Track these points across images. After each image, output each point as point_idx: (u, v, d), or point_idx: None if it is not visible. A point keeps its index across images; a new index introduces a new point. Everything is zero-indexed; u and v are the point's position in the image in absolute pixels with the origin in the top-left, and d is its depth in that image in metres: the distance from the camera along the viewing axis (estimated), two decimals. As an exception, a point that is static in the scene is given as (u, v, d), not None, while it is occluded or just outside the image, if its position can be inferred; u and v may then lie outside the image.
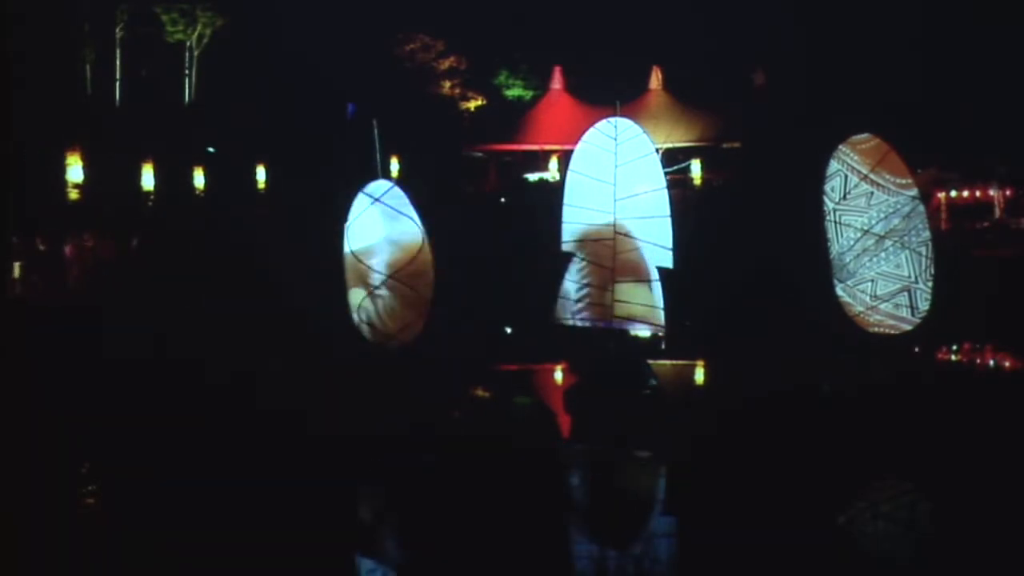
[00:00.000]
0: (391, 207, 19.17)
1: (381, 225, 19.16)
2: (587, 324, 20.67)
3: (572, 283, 20.67)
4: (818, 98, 41.44)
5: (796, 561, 11.50)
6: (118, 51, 43.04)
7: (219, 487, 14.01)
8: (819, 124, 29.94)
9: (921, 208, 20.85)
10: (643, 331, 20.55)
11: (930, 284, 20.24)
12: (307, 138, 41.12)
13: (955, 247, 30.62)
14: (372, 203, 19.20)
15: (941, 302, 20.27)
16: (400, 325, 19.33)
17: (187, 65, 45.37)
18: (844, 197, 20.86)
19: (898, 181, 20.61)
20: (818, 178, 21.20)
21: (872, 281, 20.62)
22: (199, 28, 44.87)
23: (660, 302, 19.99)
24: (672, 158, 44.27)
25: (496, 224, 37.73)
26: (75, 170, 35.52)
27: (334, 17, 46.47)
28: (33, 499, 13.71)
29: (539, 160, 49.94)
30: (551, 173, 48.36)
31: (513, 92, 54.73)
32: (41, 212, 31.51)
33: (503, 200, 46.21)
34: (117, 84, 43.14)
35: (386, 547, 12.50)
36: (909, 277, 20.33)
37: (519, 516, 12.79)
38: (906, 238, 20.41)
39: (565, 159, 28.42)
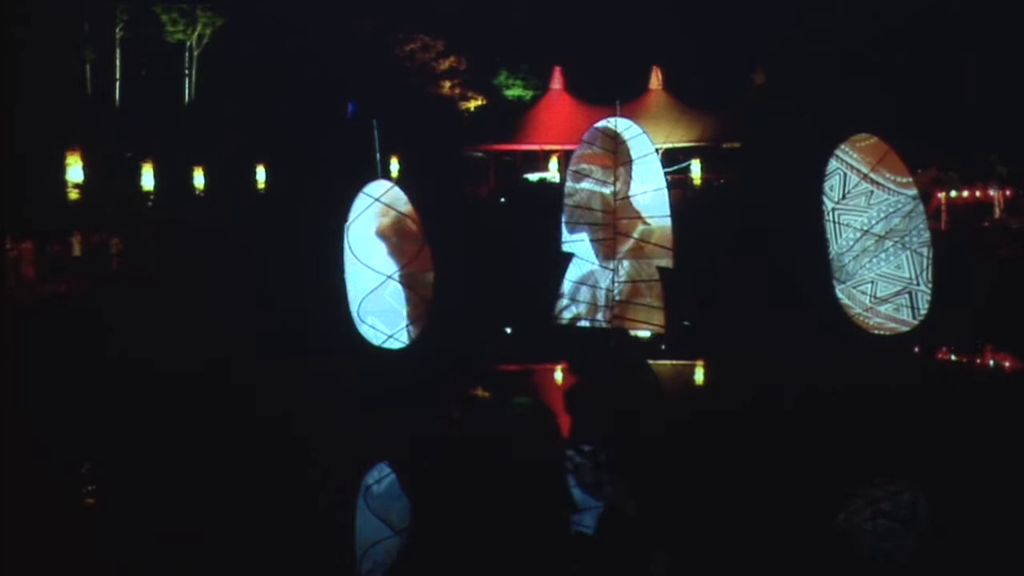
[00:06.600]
0: (391, 207, 19.16)
1: (381, 225, 19.14)
2: (587, 324, 20.68)
3: (572, 283, 20.67)
4: (818, 97, 41.39)
5: (795, 561, 11.50)
6: (118, 51, 43.05)
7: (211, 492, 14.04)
8: (819, 123, 29.91)
9: (921, 208, 20.64)
10: (643, 331, 20.54)
11: (931, 285, 20.11)
12: (307, 138, 41.09)
13: (955, 247, 30.55)
14: (372, 203, 19.19)
15: (941, 302, 20.20)
16: (399, 325, 19.32)
17: (187, 65, 45.38)
18: (843, 197, 20.68)
19: (898, 180, 20.45)
20: (818, 178, 21.07)
21: (872, 283, 20.43)
22: (199, 28, 44.88)
23: (660, 302, 20.00)
24: (672, 158, 44.25)
25: (496, 224, 37.70)
26: (75, 170, 35.50)
27: (334, 17, 46.48)
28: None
29: (539, 160, 49.90)
30: (551, 173, 48.33)
31: (513, 92, 54.70)
32: (40, 212, 31.50)
33: (503, 200, 46.17)
34: (117, 84, 43.15)
35: (388, 546, 12.49)
36: (910, 278, 20.16)
37: (518, 516, 12.79)
38: (906, 238, 20.24)
39: (565, 159, 28.44)
